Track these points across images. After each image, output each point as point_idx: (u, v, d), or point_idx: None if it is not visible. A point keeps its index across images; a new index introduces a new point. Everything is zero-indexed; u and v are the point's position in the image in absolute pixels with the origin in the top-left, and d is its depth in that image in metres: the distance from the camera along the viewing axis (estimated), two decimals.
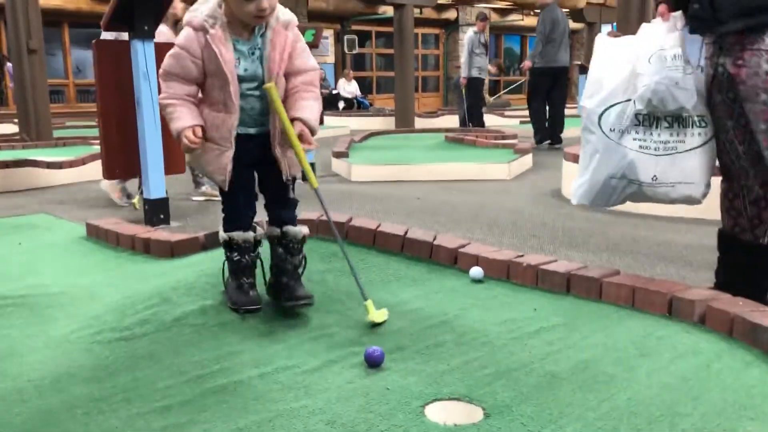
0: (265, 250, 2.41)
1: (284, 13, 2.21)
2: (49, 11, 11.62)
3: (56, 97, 14.50)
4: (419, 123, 12.76)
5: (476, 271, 2.68)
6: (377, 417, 1.62)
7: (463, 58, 10.78)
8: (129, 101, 4.06)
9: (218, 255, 2.51)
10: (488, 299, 2.47)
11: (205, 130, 2.18)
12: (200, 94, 2.23)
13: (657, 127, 2.47)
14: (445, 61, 20.77)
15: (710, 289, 2.46)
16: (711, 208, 2.72)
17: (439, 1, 15.87)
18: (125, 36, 4.10)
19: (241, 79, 2.17)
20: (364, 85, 18.49)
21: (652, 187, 2.49)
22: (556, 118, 8.61)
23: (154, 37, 4.01)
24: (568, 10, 8.54)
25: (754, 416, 1.62)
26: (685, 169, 2.45)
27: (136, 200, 4.79)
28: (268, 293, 2.42)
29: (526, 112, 8.91)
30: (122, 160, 4.21)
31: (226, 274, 2.40)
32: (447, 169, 6.34)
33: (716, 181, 2.48)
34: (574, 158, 5.19)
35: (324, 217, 3.20)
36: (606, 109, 2.51)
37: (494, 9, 19.27)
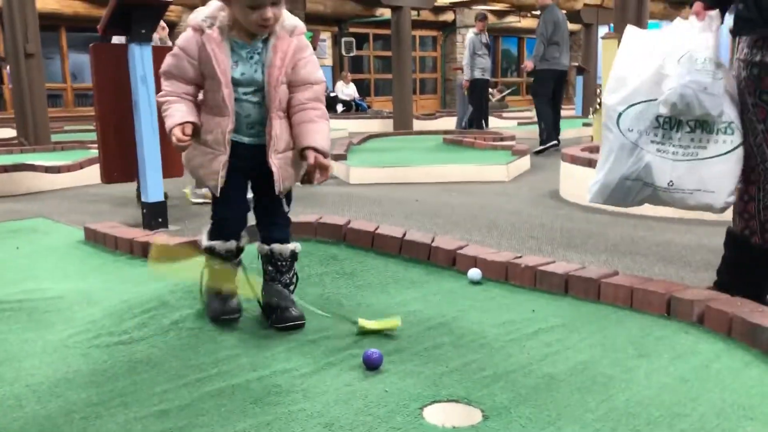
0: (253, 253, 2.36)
1: (290, 19, 2.15)
2: (46, 15, 11.60)
3: (54, 101, 14.49)
4: (417, 125, 12.77)
5: (474, 273, 2.67)
6: (376, 419, 1.62)
7: (465, 60, 10.77)
8: (127, 105, 4.05)
9: None
10: (486, 301, 2.47)
11: (198, 131, 2.14)
12: (201, 96, 2.20)
13: (678, 131, 2.36)
14: (442, 63, 20.78)
15: (709, 288, 2.46)
16: None
17: (436, 3, 15.87)
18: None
19: (237, 83, 2.12)
20: (362, 88, 18.49)
21: (668, 192, 2.40)
22: (556, 121, 8.60)
23: (151, 40, 4.02)
24: (565, 11, 8.52)
25: (753, 416, 1.61)
26: (705, 177, 2.33)
27: (187, 190, 5.18)
28: (263, 311, 2.31)
29: (524, 114, 8.96)
30: (120, 163, 4.21)
31: (205, 282, 2.32)
32: (445, 170, 6.35)
33: None
34: (572, 159, 5.20)
35: (323, 220, 3.20)
36: (626, 108, 2.41)
37: (491, 11, 19.28)
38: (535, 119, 9.21)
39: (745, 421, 1.59)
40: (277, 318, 2.23)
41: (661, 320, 2.22)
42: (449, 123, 12.88)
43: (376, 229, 3.09)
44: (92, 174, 6.03)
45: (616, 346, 2.03)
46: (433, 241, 2.94)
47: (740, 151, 2.33)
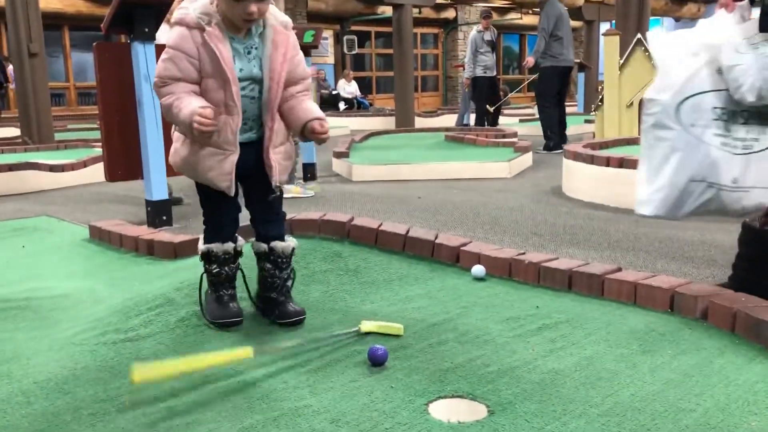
0: (251, 260, 2.35)
1: (281, 14, 2.14)
2: (49, 14, 11.62)
3: (57, 100, 14.52)
4: (419, 122, 12.77)
5: (478, 270, 2.68)
6: (381, 415, 1.63)
7: (467, 58, 10.74)
8: (130, 103, 4.07)
9: None
10: (490, 297, 2.48)
11: (216, 119, 2.03)
12: None
13: (734, 123, 2.22)
14: (444, 60, 20.78)
15: (721, 285, 2.44)
16: None
17: (437, 1, 15.88)
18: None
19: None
20: (364, 85, 18.50)
21: (730, 192, 2.21)
22: (562, 118, 8.48)
23: (154, 39, 4.02)
24: (566, 8, 8.46)
25: (758, 411, 1.62)
26: (761, 172, 2.19)
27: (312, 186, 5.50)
28: (257, 309, 2.33)
29: (526, 111, 8.91)
30: (124, 162, 4.22)
31: (204, 287, 2.30)
32: (448, 168, 6.35)
33: None
34: (574, 156, 5.19)
35: (326, 217, 3.21)
36: (682, 101, 2.23)
37: (493, 8, 19.27)
38: (537, 116, 9.15)
39: (750, 416, 1.60)
40: (280, 314, 2.25)
41: (664, 316, 2.23)
42: (451, 120, 12.88)
43: (380, 226, 3.10)
44: (96, 172, 6.05)
45: (620, 341, 2.04)
46: (436, 237, 2.95)
47: None
